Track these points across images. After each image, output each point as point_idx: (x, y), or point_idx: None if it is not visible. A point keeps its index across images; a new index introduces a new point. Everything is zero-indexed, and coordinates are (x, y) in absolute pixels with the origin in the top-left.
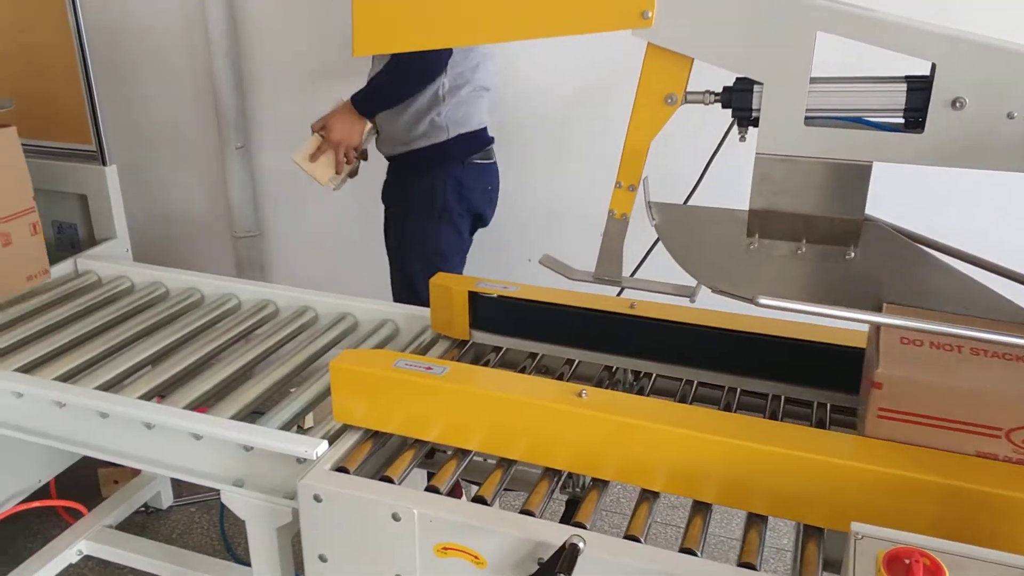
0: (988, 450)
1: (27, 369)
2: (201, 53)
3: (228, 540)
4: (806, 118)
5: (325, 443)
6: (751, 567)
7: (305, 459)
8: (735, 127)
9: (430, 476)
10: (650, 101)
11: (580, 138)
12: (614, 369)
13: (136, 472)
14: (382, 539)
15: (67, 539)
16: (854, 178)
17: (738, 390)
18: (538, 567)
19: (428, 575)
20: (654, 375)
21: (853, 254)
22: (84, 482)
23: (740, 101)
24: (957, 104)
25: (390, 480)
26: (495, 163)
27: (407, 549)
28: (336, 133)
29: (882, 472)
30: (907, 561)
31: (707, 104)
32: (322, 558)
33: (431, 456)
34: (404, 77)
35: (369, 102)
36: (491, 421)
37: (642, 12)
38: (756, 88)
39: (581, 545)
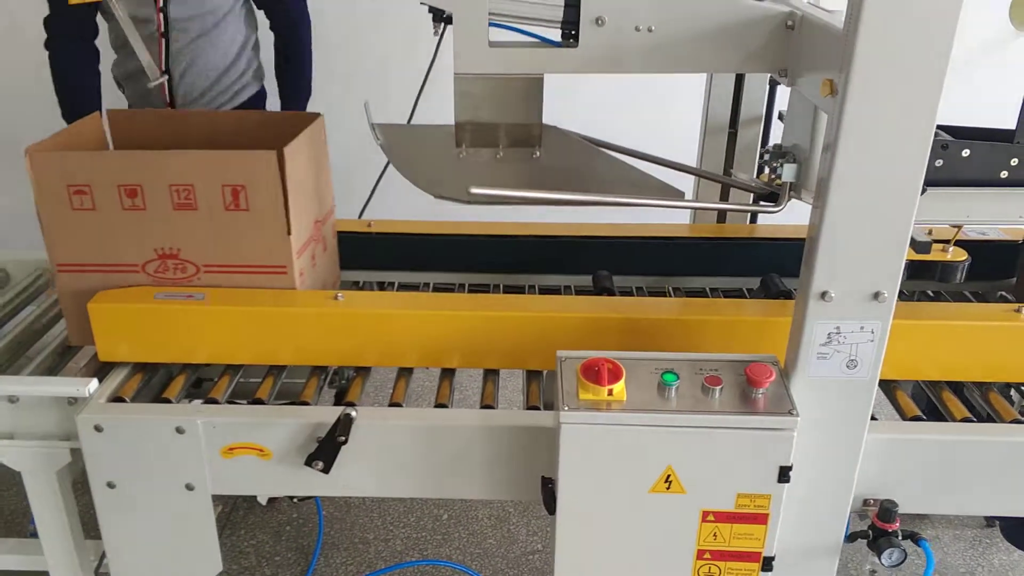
0: None
1: None
2: None
3: None
4: (490, 42)
5: (95, 380)
6: (490, 407)
7: (77, 398)
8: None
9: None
10: None
11: None
12: (360, 283)
13: None
14: (168, 454)
15: None
16: (531, 89)
17: (466, 285)
18: (318, 443)
19: (217, 477)
20: (396, 283)
21: (539, 154)
22: None
23: None
24: (599, 21)
25: (168, 400)
26: None
27: (194, 458)
28: None
29: (580, 317)
30: (596, 368)
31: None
32: (110, 485)
33: (198, 386)
34: None
35: None
36: (258, 334)
37: None
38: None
39: (354, 414)
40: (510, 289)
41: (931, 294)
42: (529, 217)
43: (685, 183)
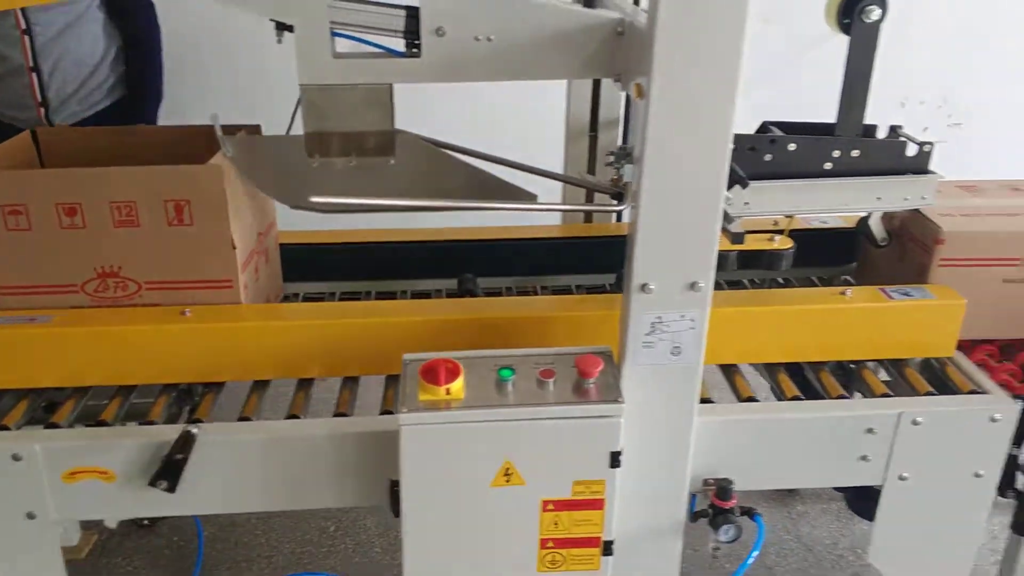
0: None
1: None
2: None
3: None
4: (334, 52)
5: None
6: (344, 415)
7: None
8: None
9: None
10: None
11: None
12: None
13: None
14: (5, 483)
15: None
16: (379, 98)
17: (337, 293)
18: (162, 463)
19: (61, 504)
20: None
21: (394, 161)
22: None
23: None
24: (440, 32)
25: (6, 428)
26: None
27: (34, 485)
28: None
29: (435, 320)
30: (434, 369)
31: None
32: None
33: (53, 411)
34: None
35: None
36: (101, 354)
37: None
38: None
39: (195, 431)
40: (382, 295)
41: (781, 281)
42: (405, 222)
43: (554, 185)
